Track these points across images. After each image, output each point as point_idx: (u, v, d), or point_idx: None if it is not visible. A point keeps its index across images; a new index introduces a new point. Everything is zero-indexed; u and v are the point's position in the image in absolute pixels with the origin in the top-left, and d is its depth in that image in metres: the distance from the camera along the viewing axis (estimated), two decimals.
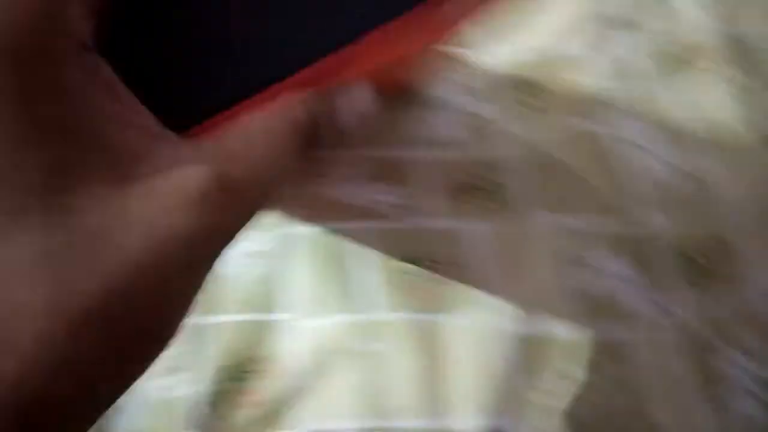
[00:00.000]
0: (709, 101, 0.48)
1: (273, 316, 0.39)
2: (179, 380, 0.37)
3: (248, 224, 0.17)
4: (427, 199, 0.43)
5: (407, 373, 0.38)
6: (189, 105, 0.18)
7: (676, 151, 0.46)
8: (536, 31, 0.50)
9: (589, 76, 0.49)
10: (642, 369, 0.38)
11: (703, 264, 0.42)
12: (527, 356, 0.38)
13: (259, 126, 0.17)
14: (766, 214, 0.44)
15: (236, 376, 0.37)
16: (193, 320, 0.38)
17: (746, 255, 0.42)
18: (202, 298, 0.38)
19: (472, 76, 0.48)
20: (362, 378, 0.38)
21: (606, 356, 0.38)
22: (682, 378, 0.38)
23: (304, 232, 0.41)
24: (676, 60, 0.49)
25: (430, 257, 0.41)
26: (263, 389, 0.37)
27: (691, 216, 0.43)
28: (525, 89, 0.48)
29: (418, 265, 0.40)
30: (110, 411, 0.32)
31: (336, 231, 0.41)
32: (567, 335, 0.39)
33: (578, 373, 0.38)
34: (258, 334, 0.38)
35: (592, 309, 0.40)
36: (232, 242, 0.16)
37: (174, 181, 0.13)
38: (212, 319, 0.39)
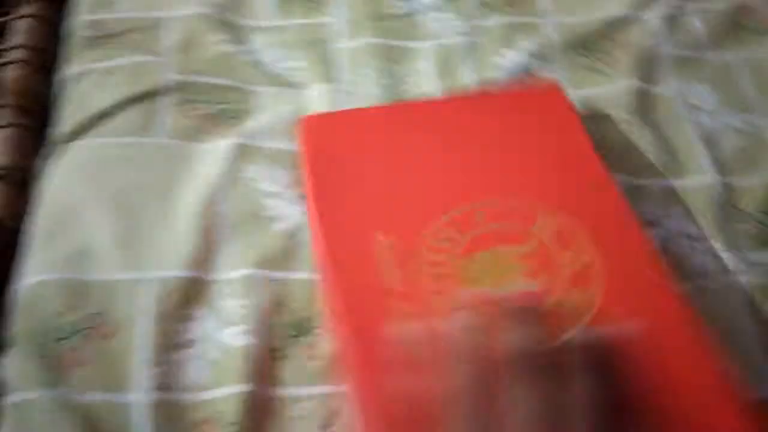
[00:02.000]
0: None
1: None
2: (238, 331, 0.37)
3: None
4: None
5: None
6: None
7: (730, 109, 0.47)
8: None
9: (650, 39, 0.50)
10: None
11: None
12: None
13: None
14: None
15: (298, 332, 0.37)
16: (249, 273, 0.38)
17: None
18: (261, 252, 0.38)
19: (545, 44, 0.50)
20: None
21: None
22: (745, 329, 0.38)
23: None
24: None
25: None
26: (323, 344, 0.37)
27: (747, 169, 0.44)
28: (592, 54, 0.50)
29: None
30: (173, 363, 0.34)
31: None
32: None
33: None
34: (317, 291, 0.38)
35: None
36: None
37: None
38: (270, 274, 0.39)
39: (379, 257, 0.34)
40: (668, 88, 0.49)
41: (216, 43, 0.50)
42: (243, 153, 0.43)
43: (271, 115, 0.46)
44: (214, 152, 0.43)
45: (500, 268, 0.34)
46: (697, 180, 0.43)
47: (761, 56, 0.50)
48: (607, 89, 0.48)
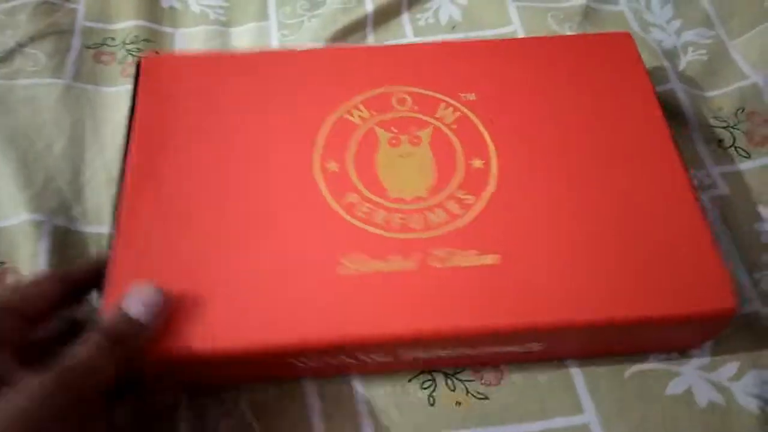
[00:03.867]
0: None
1: None
2: None
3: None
4: None
5: None
6: None
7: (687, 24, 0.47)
8: None
9: None
10: None
11: None
12: None
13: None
14: None
15: None
16: None
17: None
18: None
19: None
20: None
21: None
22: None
23: None
24: None
25: None
26: None
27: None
28: None
29: None
30: None
31: None
32: None
33: None
34: None
35: None
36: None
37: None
38: None
39: None
40: (619, 4, 0.48)
41: None
42: None
43: None
44: (127, 97, 0.41)
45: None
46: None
47: None
48: (550, 6, 0.48)
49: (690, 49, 0.46)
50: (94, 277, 0.29)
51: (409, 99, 0.35)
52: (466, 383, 0.32)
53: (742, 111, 0.42)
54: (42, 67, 0.42)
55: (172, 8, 0.48)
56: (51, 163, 0.38)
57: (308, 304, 0.28)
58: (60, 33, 0.45)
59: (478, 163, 0.33)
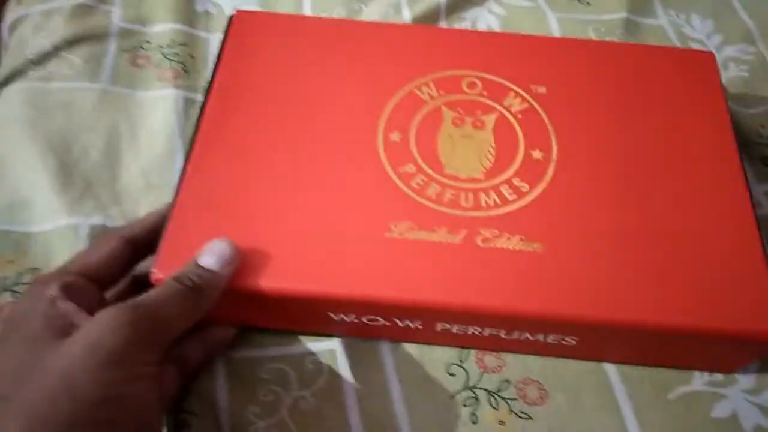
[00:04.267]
0: None
1: None
2: None
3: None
4: None
5: None
6: None
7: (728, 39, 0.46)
8: None
9: None
10: None
11: None
12: None
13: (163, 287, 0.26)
14: None
15: None
16: None
17: None
18: None
19: None
20: None
21: None
22: None
23: None
24: None
25: None
26: None
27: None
28: None
29: None
30: None
31: None
32: None
33: None
34: None
35: None
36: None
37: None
38: None
39: None
40: (659, 18, 0.48)
41: None
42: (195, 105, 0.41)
43: None
44: (163, 101, 0.41)
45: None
46: None
47: None
48: (591, 18, 0.47)
49: (731, 64, 0.46)
50: (157, 234, 0.30)
51: (479, 84, 0.36)
52: (510, 401, 0.31)
53: None
54: (78, 70, 0.42)
55: (206, 12, 0.47)
56: (88, 169, 0.38)
57: (352, 260, 0.29)
58: (96, 36, 0.44)
59: (537, 154, 0.33)
